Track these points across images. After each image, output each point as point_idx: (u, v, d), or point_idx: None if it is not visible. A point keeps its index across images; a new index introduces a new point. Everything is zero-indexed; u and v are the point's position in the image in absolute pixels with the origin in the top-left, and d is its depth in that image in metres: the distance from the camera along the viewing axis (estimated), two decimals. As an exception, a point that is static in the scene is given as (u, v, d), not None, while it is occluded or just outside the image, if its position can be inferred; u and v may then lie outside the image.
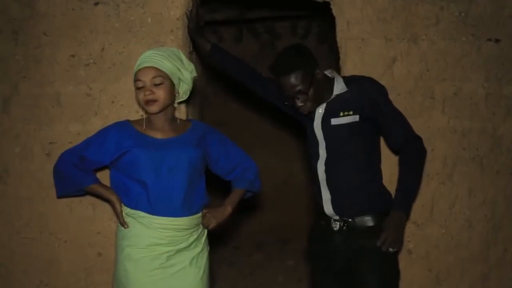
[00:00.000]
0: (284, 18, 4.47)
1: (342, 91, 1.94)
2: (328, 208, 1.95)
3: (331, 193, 1.95)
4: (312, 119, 2.00)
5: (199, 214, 1.94)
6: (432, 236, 2.26)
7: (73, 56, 2.19)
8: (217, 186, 2.28)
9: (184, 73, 1.94)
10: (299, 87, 1.88)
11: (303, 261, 4.24)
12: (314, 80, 1.90)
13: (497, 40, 2.29)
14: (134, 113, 2.14)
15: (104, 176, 2.06)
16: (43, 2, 2.18)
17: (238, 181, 2.08)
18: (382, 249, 1.78)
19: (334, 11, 2.28)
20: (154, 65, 1.85)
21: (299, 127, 2.20)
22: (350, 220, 1.92)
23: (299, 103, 1.92)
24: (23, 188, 2.22)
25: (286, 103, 2.00)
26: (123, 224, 1.89)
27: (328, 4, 2.29)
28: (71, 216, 2.22)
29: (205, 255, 1.97)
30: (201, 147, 1.95)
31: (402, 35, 2.24)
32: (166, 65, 1.87)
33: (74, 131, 2.19)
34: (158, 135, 1.91)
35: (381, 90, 1.98)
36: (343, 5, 2.25)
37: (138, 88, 1.87)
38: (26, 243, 2.23)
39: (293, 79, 1.88)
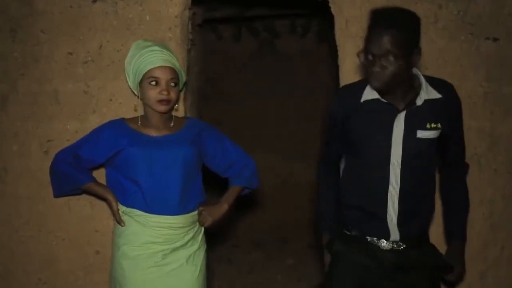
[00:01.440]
0: (283, 17, 4.48)
1: (434, 97, 1.65)
2: (394, 236, 1.71)
3: (400, 223, 1.70)
4: (388, 128, 1.66)
5: (195, 212, 1.94)
6: (430, 235, 2.25)
7: (71, 53, 2.18)
8: (214, 183, 2.28)
9: (183, 74, 1.97)
10: (393, 48, 1.52)
11: (302, 261, 4.25)
12: (409, 56, 1.56)
13: (495, 39, 2.29)
14: (132, 111, 2.12)
15: (100, 175, 2.06)
16: (41, 0, 2.17)
17: (235, 178, 2.08)
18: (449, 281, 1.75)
19: (333, 10, 2.28)
20: (171, 66, 1.87)
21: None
22: (410, 241, 1.73)
23: (377, 68, 1.56)
24: (21, 186, 2.22)
25: (361, 59, 1.62)
26: (120, 222, 1.89)
27: (327, 2, 2.29)
28: (70, 215, 2.22)
29: (201, 253, 1.97)
30: (197, 145, 1.95)
31: (400, 34, 2.23)
32: (178, 66, 1.91)
33: (72, 129, 2.18)
34: (153, 133, 1.91)
35: (460, 104, 1.75)
36: (342, 3, 2.24)
37: (149, 84, 1.85)
38: (25, 242, 2.23)
39: (391, 36, 1.52)
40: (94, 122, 2.15)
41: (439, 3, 2.24)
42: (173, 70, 1.87)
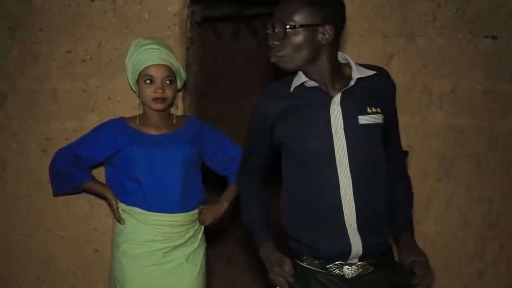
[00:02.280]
0: (282, 15, 4.47)
1: (366, 75, 1.47)
2: (356, 248, 1.44)
3: (361, 228, 1.44)
4: (324, 116, 1.45)
5: (196, 211, 1.95)
6: (428, 233, 2.26)
7: (69, 52, 2.18)
8: (213, 182, 2.28)
9: (182, 72, 1.96)
10: (284, 18, 1.41)
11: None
12: (311, 31, 1.41)
13: (494, 37, 2.29)
14: (131, 110, 2.13)
15: (100, 173, 2.06)
16: (39, -2, 2.17)
17: (234, 176, 2.08)
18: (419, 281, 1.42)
19: (332, 8, 2.27)
20: (167, 64, 1.86)
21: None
22: (375, 259, 1.47)
23: (273, 40, 1.44)
24: (20, 184, 2.22)
25: (267, 31, 1.48)
26: (119, 220, 1.89)
27: (326, 0, 2.29)
28: (68, 213, 2.22)
29: (201, 251, 1.97)
30: (196, 143, 1.95)
31: (399, 32, 2.23)
32: (175, 64, 1.90)
33: (71, 128, 2.18)
34: (153, 131, 1.91)
35: (395, 89, 1.59)
36: (341, 1, 2.24)
37: (145, 83, 1.86)
38: (23, 240, 2.23)
39: (288, 7, 1.42)
40: (93, 120, 2.15)
41: (438, 2, 2.24)
42: (168, 68, 1.87)
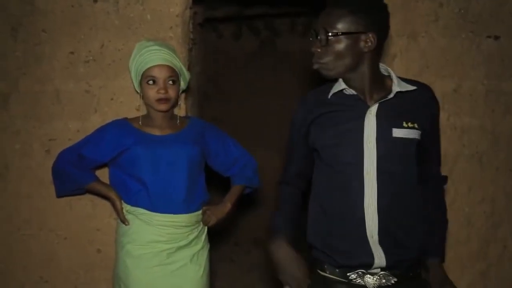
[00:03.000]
0: (284, 15, 4.47)
1: (406, 89, 1.46)
2: (378, 260, 1.42)
3: (383, 241, 1.43)
4: (358, 126, 1.44)
5: (199, 212, 1.95)
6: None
7: (72, 53, 2.18)
8: (216, 183, 2.28)
9: (185, 73, 1.96)
10: (327, 26, 1.42)
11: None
12: (353, 38, 1.41)
13: (496, 37, 2.29)
14: (134, 110, 2.13)
15: (103, 174, 2.06)
16: (42, -1, 2.18)
17: (237, 177, 2.09)
18: None
19: (334, 8, 2.27)
20: (169, 64, 1.86)
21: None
22: (399, 271, 1.45)
23: (315, 47, 1.46)
24: (23, 185, 2.22)
25: (310, 38, 1.49)
26: (124, 221, 1.89)
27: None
28: (71, 213, 2.22)
29: (205, 252, 1.97)
30: (200, 144, 1.95)
31: (401, 32, 2.23)
32: (177, 65, 1.90)
33: (74, 128, 2.18)
34: (157, 132, 1.91)
35: (438, 107, 1.55)
36: (343, 2, 2.24)
37: (148, 84, 1.86)
38: (26, 240, 2.23)
39: (332, 15, 1.43)
40: (96, 121, 2.15)
41: (440, 2, 2.24)
42: (171, 68, 1.87)
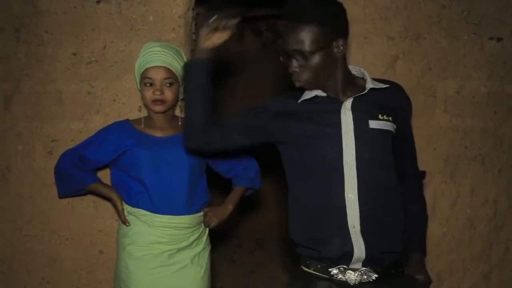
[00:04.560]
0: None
1: (379, 87, 1.50)
2: (358, 251, 1.42)
3: (364, 231, 1.42)
4: (335, 120, 1.47)
5: (201, 213, 1.95)
6: (433, 235, 2.25)
7: (75, 54, 2.19)
8: (218, 184, 2.28)
9: None
10: (301, 47, 1.42)
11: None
12: (327, 49, 1.43)
13: (499, 39, 2.29)
14: (136, 111, 2.13)
15: (104, 175, 2.06)
16: (45, 0, 2.17)
17: (239, 179, 2.09)
18: None
19: (336, 10, 2.27)
20: (166, 66, 1.86)
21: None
22: (380, 267, 1.44)
23: (293, 67, 1.47)
24: (25, 185, 2.22)
25: (281, 58, 1.51)
26: (125, 222, 1.90)
27: (330, 2, 2.29)
28: (73, 214, 2.22)
29: (206, 253, 1.97)
30: None
31: (404, 34, 2.23)
32: (176, 66, 1.89)
33: (76, 129, 2.19)
34: (158, 133, 1.92)
35: (410, 105, 1.60)
36: (345, 3, 2.22)
37: (145, 85, 1.87)
38: (28, 241, 2.23)
39: (301, 33, 1.41)
40: (98, 122, 2.16)
41: (442, 3, 2.24)
42: (168, 70, 1.87)
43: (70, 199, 2.20)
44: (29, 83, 2.20)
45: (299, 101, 1.53)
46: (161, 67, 1.86)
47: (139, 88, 1.97)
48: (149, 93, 1.86)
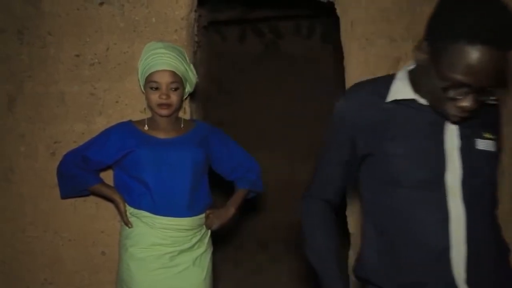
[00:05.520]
0: (288, 18, 4.48)
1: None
2: None
3: (472, 279, 1.14)
4: (436, 135, 1.19)
5: (203, 215, 1.95)
6: None
7: (77, 55, 2.19)
8: (219, 186, 2.28)
9: (191, 76, 1.95)
10: (494, 78, 1.05)
11: (307, 262, 4.24)
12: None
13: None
14: (138, 113, 2.14)
15: (107, 176, 2.06)
16: (48, 2, 2.18)
17: (241, 181, 2.09)
18: None
19: (338, 11, 2.27)
20: (172, 69, 1.85)
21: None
22: None
23: (469, 102, 1.09)
24: (27, 186, 2.23)
25: (443, 87, 1.10)
26: (127, 223, 1.90)
27: (332, 4, 2.29)
28: (75, 215, 2.23)
29: (208, 255, 1.97)
30: (204, 147, 1.95)
31: (406, 35, 2.23)
32: (181, 69, 1.87)
33: (79, 131, 2.19)
34: (161, 135, 1.91)
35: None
36: (347, 4, 2.24)
37: (151, 89, 1.86)
38: (30, 242, 2.24)
39: (497, 60, 1.03)
40: (101, 123, 2.16)
41: (445, 5, 2.23)
42: (174, 74, 1.86)
43: (72, 201, 2.20)
44: (32, 84, 2.21)
45: (388, 100, 1.24)
46: (166, 70, 1.84)
47: (143, 90, 1.97)
48: (155, 97, 1.85)
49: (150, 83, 1.86)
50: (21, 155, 2.22)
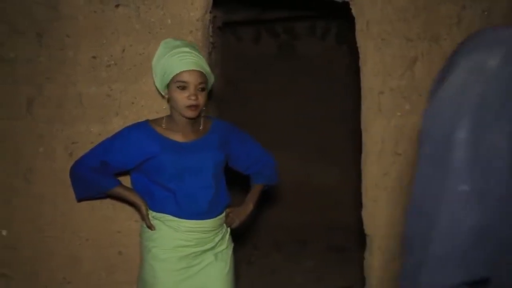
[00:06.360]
0: (303, 19, 4.47)
1: None
2: None
3: None
4: None
5: (223, 214, 1.95)
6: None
7: (94, 57, 2.22)
8: (233, 181, 2.29)
9: (211, 75, 1.93)
10: None
11: (322, 262, 4.23)
12: None
13: (521, 39, 2.24)
14: (154, 114, 2.15)
15: (123, 178, 2.07)
16: (66, 5, 2.21)
17: (257, 176, 2.11)
18: None
19: (354, 11, 2.26)
20: (200, 69, 1.80)
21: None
22: None
23: None
24: (46, 187, 2.25)
25: None
26: (150, 227, 1.87)
27: (348, 4, 2.28)
28: (92, 215, 2.25)
29: (230, 251, 1.97)
30: (224, 148, 1.94)
31: (423, 35, 2.21)
32: (206, 69, 1.84)
33: (96, 131, 2.21)
34: (181, 138, 1.88)
35: None
36: (363, 5, 2.23)
37: (178, 88, 1.79)
38: (49, 242, 2.27)
39: None
40: (117, 124, 2.18)
41: (463, 4, 2.21)
42: (202, 74, 1.80)
43: (90, 201, 2.22)
44: (51, 86, 2.23)
45: None
46: (195, 71, 1.78)
47: (161, 89, 1.91)
48: (183, 97, 1.77)
49: (177, 83, 1.78)
50: (40, 156, 2.25)
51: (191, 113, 1.80)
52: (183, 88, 1.78)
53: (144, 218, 1.88)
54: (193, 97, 1.77)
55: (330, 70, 4.97)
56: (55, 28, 2.22)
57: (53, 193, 2.25)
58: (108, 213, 2.25)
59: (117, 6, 2.20)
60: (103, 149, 1.92)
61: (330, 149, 4.99)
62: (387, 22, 2.22)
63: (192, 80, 1.78)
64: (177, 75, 1.78)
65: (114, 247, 2.26)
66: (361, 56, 2.25)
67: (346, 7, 2.31)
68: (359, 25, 2.25)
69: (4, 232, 2.27)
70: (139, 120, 2.04)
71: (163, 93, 1.93)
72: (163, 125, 1.89)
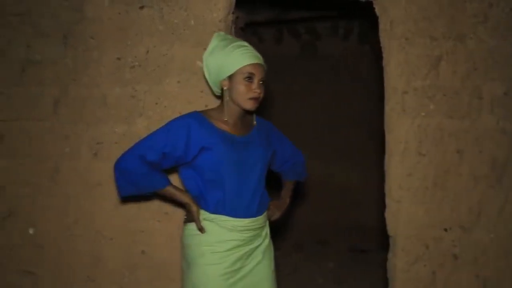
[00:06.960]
0: (325, 19, 4.44)
1: None
2: None
3: None
4: None
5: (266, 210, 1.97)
6: (480, 242, 2.18)
7: (119, 59, 2.24)
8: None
9: None
10: None
11: (343, 263, 4.20)
12: None
13: (550, 38, 2.19)
14: (178, 114, 2.16)
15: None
16: (91, 7, 2.24)
17: (289, 173, 2.16)
18: None
19: (377, 10, 2.24)
20: (264, 65, 1.85)
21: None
22: None
23: None
24: (71, 186, 2.29)
25: None
26: (201, 229, 1.81)
27: (371, 3, 2.26)
28: (116, 215, 2.28)
29: (271, 246, 1.98)
30: (269, 145, 1.94)
31: (447, 34, 2.17)
32: (265, 66, 1.88)
33: (120, 132, 2.24)
34: (234, 131, 1.84)
35: None
36: (387, 4, 2.20)
37: (245, 79, 1.78)
38: (74, 240, 2.31)
39: None
40: (141, 125, 2.21)
41: (489, 2, 2.16)
42: (264, 69, 1.84)
43: (114, 200, 2.25)
44: (76, 87, 2.27)
45: None
46: (261, 65, 1.82)
47: (214, 83, 1.87)
48: (248, 89, 1.78)
49: (245, 74, 1.78)
50: (65, 156, 2.28)
51: (252, 105, 1.81)
52: (249, 79, 1.80)
53: (196, 220, 1.81)
54: (258, 90, 1.80)
55: (352, 70, 4.93)
56: (80, 30, 2.25)
57: (78, 192, 2.29)
58: (132, 212, 2.27)
59: (141, 7, 2.22)
60: (158, 141, 1.79)
61: (351, 149, 4.96)
62: (411, 21, 2.19)
63: (257, 73, 1.80)
64: (244, 67, 1.78)
65: (138, 246, 2.28)
66: (384, 56, 2.23)
67: (369, 7, 2.28)
68: (383, 25, 2.22)
69: (31, 231, 2.32)
70: (163, 121, 1.93)
71: (215, 86, 1.90)
72: (216, 117, 1.84)
